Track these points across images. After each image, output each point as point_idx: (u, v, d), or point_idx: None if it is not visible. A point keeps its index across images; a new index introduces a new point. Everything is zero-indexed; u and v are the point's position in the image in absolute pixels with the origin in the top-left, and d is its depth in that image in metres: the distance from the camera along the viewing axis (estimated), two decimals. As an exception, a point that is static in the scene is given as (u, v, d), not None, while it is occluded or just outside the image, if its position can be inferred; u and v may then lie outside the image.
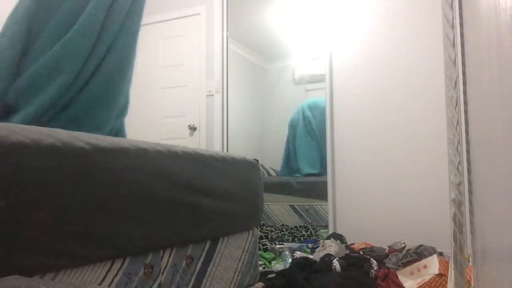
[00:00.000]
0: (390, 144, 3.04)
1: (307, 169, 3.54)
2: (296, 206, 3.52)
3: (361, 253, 2.44)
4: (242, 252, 1.75)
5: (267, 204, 3.30)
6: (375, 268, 1.95)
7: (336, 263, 1.99)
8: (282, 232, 3.37)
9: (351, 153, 3.16)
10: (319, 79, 3.44)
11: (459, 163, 1.06)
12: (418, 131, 2.96)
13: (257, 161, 1.92)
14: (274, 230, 3.41)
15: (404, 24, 3.07)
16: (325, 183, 3.21)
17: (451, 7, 1.10)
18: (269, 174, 3.70)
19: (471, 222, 1.11)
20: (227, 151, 3.54)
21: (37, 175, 0.88)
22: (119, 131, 1.65)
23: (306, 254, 2.56)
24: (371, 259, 2.04)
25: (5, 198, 0.82)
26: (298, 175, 3.60)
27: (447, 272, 1.83)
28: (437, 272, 1.87)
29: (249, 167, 1.82)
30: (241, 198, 1.68)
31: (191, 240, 1.42)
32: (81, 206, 0.97)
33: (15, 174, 0.84)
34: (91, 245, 1.00)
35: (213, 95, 3.68)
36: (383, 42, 3.13)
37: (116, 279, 1.09)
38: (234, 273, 1.68)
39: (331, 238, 2.60)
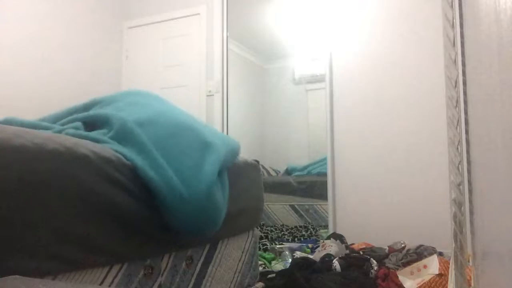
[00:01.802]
0: (390, 144, 3.04)
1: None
2: (296, 206, 3.52)
3: (361, 253, 2.44)
4: (242, 252, 1.75)
5: (267, 204, 3.30)
6: (375, 268, 1.95)
7: (336, 263, 1.99)
8: (282, 232, 3.37)
9: (351, 153, 3.16)
10: (319, 79, 3.44)
11: (459, 163, 1.06)
12: (418, 131, 2.96)
13: (258, 162, 1.91)
14: (274, 230, 3.41)
15: (404, 24, 3.07)
16: (325, 183, 3.21)
17: (451, 7, 1.09)
18: (269, 174, 3.70)
19: (471, 222, 1.11)
20: (227, 151, 3.53)
21: (39, 179, 0.88)
22: None
23: (306, 254, 2.56)
24: (371, 259, 2.04)
25: (6, 200, 0.82)
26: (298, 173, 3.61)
27: (447, 272, 1.83)
28: (437, 272, 1.87)
29: (250, 168, 1.81)
30: (241, 200, 1.67)
31: (191, 244, 1.42)
32: (81, 213, 0.97)
33: (16, 176, 0.84)
34: (90, 251, 0.99)
35: (213, 95, 3.68)
36: (383, 42, 3.13)
37: (116, 280, 1.09)
38: (234, 273, 1.67)
39: (331, 238, 2.60)
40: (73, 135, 1.22)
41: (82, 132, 1.31)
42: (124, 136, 1.24)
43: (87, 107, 1.53)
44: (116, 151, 1.16)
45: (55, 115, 1.51)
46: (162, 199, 1.16)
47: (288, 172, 3.68)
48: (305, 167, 3.61)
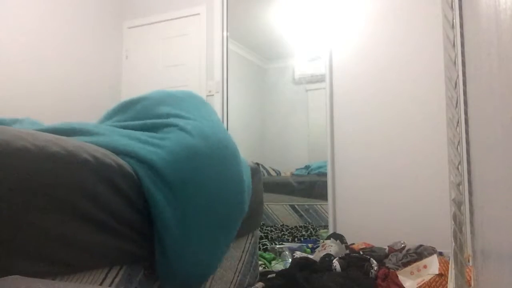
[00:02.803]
0: (390, 144, 3.04)
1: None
2: (296, 206, 3.52)
3: (361, 253, 2.44)
4: (242, 252, 1.75)
5: (267, 204, 3.30)
6: (375, 268, 1.95)
7: (336, 263, 1.99)
8: (282, 232, 3.37)
9: (351, 152, 3.16)
10: (319, 79, 3.44)
11: (459, 163, 1.06)
12: (418, 131, 2.96)
13: (258, 165, 1.91)
14: (274, 230, 3.41)
15: (404, 24, 3.07)
16: (325, 183, 3.21)
17: (451, 7, 1.09)
18: (269, 174, 3.70)
19: (471, 222, 1.11)
20: (227, 151, 3.53)
21: (39, 181, 0.88)
22: None
23: (306, 254, 2.56)
24: (371, 259, 2.04)
25: (6, 202, 0.82)
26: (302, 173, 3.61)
27: (447, 272, 1.83)
28: (437, 272, 1.87)
29: (251, 173, 1.79)
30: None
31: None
32: (81, 217, 0.96)
33: (17, 178, 0.84)
34: (90, 255, 0.99)
35: (213, 95, 3.68)
36: (383, 41, 3.13)
37: (116, 280, 1.09)
38: (234, 273, 1.67)
39: (331, 238, 2.60)
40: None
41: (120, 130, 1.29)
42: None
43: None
44: (130, 165, 1.13)
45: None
46: (162, 238, 1.14)
47: (309, 170, 3.64)
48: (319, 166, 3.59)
